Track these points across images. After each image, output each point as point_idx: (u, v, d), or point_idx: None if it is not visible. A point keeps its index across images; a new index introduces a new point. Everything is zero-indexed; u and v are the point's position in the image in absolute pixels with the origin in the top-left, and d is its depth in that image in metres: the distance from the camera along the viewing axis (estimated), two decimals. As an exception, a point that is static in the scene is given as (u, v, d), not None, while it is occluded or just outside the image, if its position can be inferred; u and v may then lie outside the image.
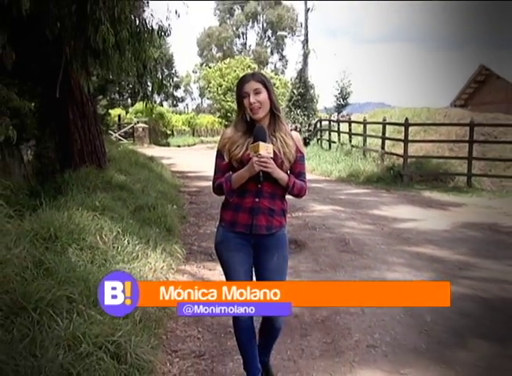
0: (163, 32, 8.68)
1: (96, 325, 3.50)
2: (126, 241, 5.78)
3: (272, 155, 2.88)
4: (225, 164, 3.09)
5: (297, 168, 3.11)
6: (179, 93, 53.09)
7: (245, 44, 56.19)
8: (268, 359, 3.50)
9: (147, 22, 8.32)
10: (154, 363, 3.61)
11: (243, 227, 3.09)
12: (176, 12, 8.79)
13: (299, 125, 25.07)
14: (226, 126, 34.83)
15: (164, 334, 4.37)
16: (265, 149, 2.84)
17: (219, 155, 3.14)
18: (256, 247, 3.15)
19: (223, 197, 3.15)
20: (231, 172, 3.04)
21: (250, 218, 3.07)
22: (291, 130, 3.15)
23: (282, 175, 2.98)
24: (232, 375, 3.74)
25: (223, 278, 5.79)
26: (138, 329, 3.89)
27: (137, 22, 8.12)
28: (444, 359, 3.97)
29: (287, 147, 3.01)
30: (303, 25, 37.39)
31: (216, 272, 6.08)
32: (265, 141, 2.89)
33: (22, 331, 3.21)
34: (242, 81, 3.05)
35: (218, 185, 3.09)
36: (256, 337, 3.38)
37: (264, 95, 2.98)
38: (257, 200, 3.04)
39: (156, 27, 8.47)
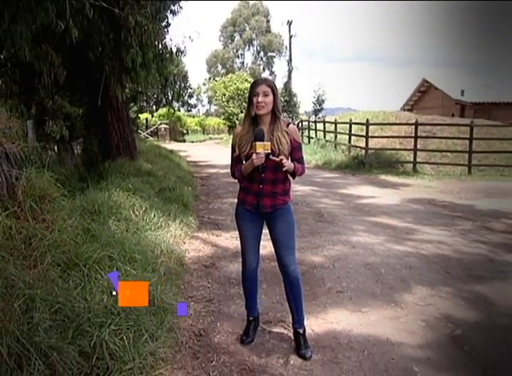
0: (180, 53, 8.60)
1: (131, 277, 3.54)
2: (152, 214, 5.78)
3: (269, 151, 2.87)
4: (237, 155, 3.09)
5: (296, 155, 3.07)
6: (192, 101, 52.66)
7: (243, 62, 55.51)
8: (302, 327, 3.23)
9: (168, 45, 8.25)
10: (175, 306, 3.64)
11: (250, 206, 3.11)
12: (190, 38, 8.72)
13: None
14: (230, 126, 34.76)
15: (182, 285, 4.40)
16: (263, 147, 2.84)
17: (233, 148, 3.13)
18: (266, 219, 3.15)
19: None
20: (241, 164, 3.06)
21: (256, 200, 3.08)
22: (289, 124, 3.08)
23: (289, 166, 2.96)
24: (234, 314, 3.78)
25: (227, 242, 5.89)
26: (163, 280, 3.93)
27: (160, 45, 8.02)
28: (393, 300, 4.04)
29: (281, 145, 2.95)
30: (288, 48, 37.17)
31: (221, 238, 6.11)
32: (262, 140, 2.87)
33: (76, 281, 3.24)
34: (255, 83, 3.00)
35: (233, 172, 3.13)
36: (258, 285, 3.40)
37: (270, 98, 2.94)
38: (261, 186, 3.05)
39: (174, 49, 8.39)
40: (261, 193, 3.06)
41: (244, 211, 3.15)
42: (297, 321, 3.23)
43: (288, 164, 2.94)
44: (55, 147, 8.43)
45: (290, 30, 34.79)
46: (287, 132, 3.01)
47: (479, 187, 10.83)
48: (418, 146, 14.06)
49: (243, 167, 3.02)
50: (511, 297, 4.14)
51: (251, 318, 3.39)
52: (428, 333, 3.44)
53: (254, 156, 2.87)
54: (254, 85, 2.99)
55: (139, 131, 26.88)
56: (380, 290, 4.28)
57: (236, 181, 3.21)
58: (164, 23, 8.94)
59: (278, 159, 2.89)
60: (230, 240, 5.96)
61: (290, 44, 35.51)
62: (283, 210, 3.11)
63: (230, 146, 3.20)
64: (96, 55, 7.45)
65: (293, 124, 3.20)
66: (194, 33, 11.67)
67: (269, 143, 2.88)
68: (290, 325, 3.35)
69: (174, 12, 9.30)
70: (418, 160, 14.00)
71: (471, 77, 29.03)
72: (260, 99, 2.92)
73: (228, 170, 3.22)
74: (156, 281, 3.68)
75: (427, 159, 14.69)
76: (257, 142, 2.85)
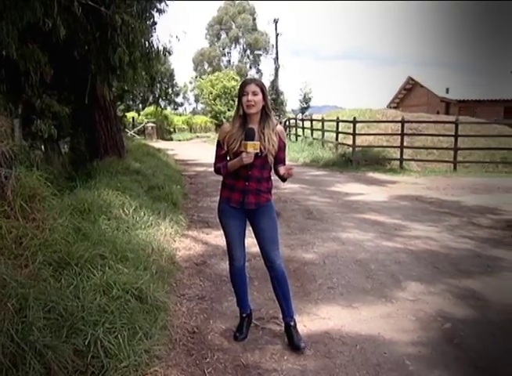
0: (167, 52, 8.57)
1: (123, 275, 3.53)
2: (142, 213, 5.75)
3: (258, 151, 2.92)
4: (223, 152, 3.11)
5: (281, 155, 3.14)
6: (179, 99, 52.36)
7: (229, 61, 55.40)
8: (292, 320, 3.26)
9: (154, 44, 8.21)
10: (168, 304, 3.66)
11: (235, 203, 3.14)
12: (177, 37, 8.69)
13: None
14: (217, 125, 34.70)
15: (174, 283, 4.40)
16: (253, 146, 2.88)
17: (219, 145, 3.14)
18: (249, 216, 3.19)
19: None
20: (227, 160, 3.09)
21: (241, 197, 3.11)
22: (276, 124, 3.12)
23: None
24: (227, 311, 3.80)
25: (218, 239, 5.89)
26: (155, 278, 3.92)
27: (146, 44, 7.98)
28: (384, 295, 4.09)
29: (271, 142, 3.01)
30: (274, 46, 37.25)
31: (211, 236, 6.11)
32: (253, 140, 2.92)
33: (68, 280, 3.22)
34: (245, 83, 3.04)
35: (218, 168, 3.15)
36: (247, 281, 3.44)
37: (259, 97, 2.98)
38: (246, 183, 3.08)
39: (161, 49, 8.36)
40: (246, 191, 3.10)
41: (228, 208, 3.18)
42: (287, 315, 3.27)
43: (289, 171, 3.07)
44: (42, 146, 8.35)
45: (276, 29, 34.90)
46: (277, 131, 3.08)
47: (465, 183, 10.97)
48: (404, 144, 14.18)
49: (230, 164, 3.05)
50: (498, 291, 4.21)
51: (244, 315, 3.41)
52: (419, 327, 3.49)
53: (243, 154, 2.91)
54: (243, 85, 3.04)
55: (126, 129, 26.69)
56: (370, 285, 4.33)
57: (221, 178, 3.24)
58: (150, 22, 8.90)
59: (287, 171, 3.05)
60: (220, 237, 5.94)
61: (277, 42, 35.62)
62: (266, 207, 3.17)
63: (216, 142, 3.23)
64: (82, 53, 7.39)
65: (281, 122, 3.25)
66: (180, 32, 11.64)
67: (259, 143, 2.94)
68: (283, 321, 3.37)
69: (160, 11, 9.26)
70: (404, 157, 14.12)
71: (456, 75, 29.32)
72: (250, 97, 2.96)
73: None
74: (149, 279, 3.68)
75: (414, 156, 14.83)
76: (248, 142, 2.89)
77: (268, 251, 3.18)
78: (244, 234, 3.28)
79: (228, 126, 3.15)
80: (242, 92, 3.01)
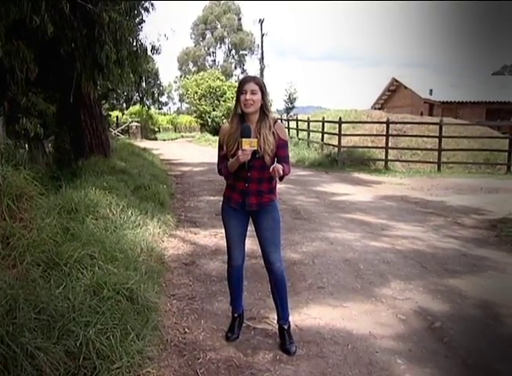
0: (155, 50, 8.51)
1: (113, 276, 3.48)
2: (130, 213, 5.68)
3: (255, 148, 2.82)
4: (224, 153, 3.04)
5: (281, 153, 3.01)
6: (163, 99, 52.01)
7: (214, 60, 55.27)
8: (287, 323, 3.23)
9: (142, 43, 8.14)
10: (158, 304, 3.63)
11: (235, 204, 3.09)
12: (165, 36, 8.64)
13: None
14: (202, 124, 34.50)
15: (164, 283, 4.37)
16: (249, 143, 2.79)
17: (219, 147, 3.09)
18: (252, 216, 3.14)
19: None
20: (227, 160, 3.00)
21: (241, 198, 3.06)
22: (276, 121, 3.03)
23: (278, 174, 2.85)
24: (217, 311, 3.78)
25: (206, 239, 5.87)
26: (145, 279, 3.87)
27: (134, 43, 7.92)
28: (373, 294, 4.11)
29: (267, 143, 2.91)
30: (259, 46, 37.28)
31: (200, 236, 6.08)
32: (249, 137, 2.83)
33: (57, 281, 3.17)
34: (244, 81, 2.95)
35: (220, 170, 3.09)
36: (243, 282, 3.41)
37: (258, 96, 2.89)
38: (246, 185, 3.02)
39: (149, 47, 8.29)
40: (246, 192, 3.04)
41: (231, 209, 3.14)
42: (282, 317, 3.24)
43: (278, 169, 2.84)
44: (26, 145, 8.22)
45: (261, 29, 34.86)
46: (274, 132, 2.97)
47: (448, 184, 11.10)
48: (389, 144, 14.31)
49: (230, 163, 2.96)
50: (485, 290, 4.27)
51: (236, 315, 3.39)
52: (409, 326, 3.52)
53: (239, 152, 2.82)
54: (242, 83, 2.95)
55: (110, 129, 26.43)
56: (360, 285, 4.35)
57: (222, 178, 3.19)
58: (137, 20, 8.81)
59: (272, 172, 2.85)
60: (209, 237, 5.95)
61: (262, 42, 35.57)
62: (269, 209, 3.10)
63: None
64: (68, 51, 7.29)
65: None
66: (167, 31, 11.57)
67: (256, 140, 2.84)
68: (274, 321, 3.37)
69: (147, 10, 9.19)
70: (389, 157, 14.26)
71: (439, 77, 29.64)
72: (248, 96, 2.88)
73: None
74: (139, 280, 3.63)
75: (398, 157, 14.97)
76: (244, 139, 2.81)
77: (268, 253, 3.13)
78: (245, 235, 3.24)
79: (226, 126, 3.07)
80: (240, 90, 2.92)
